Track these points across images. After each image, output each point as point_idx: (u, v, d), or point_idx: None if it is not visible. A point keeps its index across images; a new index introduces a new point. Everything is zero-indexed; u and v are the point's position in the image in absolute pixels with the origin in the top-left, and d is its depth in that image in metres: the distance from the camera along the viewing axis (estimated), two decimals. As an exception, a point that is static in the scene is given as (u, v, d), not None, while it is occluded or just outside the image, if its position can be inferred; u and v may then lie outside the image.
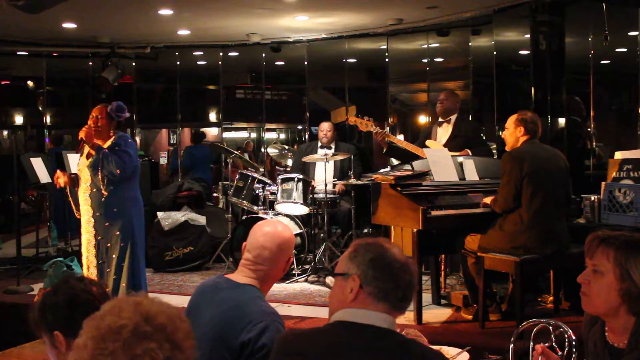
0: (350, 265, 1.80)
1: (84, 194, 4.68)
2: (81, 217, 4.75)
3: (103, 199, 4.59)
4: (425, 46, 8.32)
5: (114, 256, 4.61)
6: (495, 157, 6.27)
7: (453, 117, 5.70)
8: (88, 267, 4.70)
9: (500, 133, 4.85)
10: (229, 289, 2.34)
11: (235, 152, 7.31)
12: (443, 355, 1.80)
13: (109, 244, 4.62)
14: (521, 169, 4.33)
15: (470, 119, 7.66)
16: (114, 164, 4.48)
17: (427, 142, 5.62)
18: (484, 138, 7.11)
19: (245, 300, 2.28)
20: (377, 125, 5.67)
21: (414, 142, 5.96)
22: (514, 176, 4.34)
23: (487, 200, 4.64)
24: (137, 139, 9.96)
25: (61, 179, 4.76)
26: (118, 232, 4.60)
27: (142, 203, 4.86)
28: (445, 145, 5.48)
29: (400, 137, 8.72)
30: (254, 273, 2.39)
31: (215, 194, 8.56)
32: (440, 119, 5.77)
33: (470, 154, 5.39)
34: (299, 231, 6.34)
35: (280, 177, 6.40)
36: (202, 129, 10.40)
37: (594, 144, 6.63)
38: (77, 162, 4.92)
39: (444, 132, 5.71)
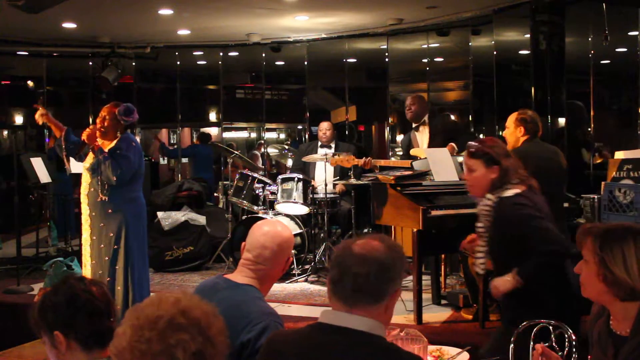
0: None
1: (83, 192, 4.66)
2: (82, 216, 4.72)
3: (99, 200, 4.54)
4: (425, 46, 8.32)
5: (106, 258, 4.51)
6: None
7: (425, 118, 5.76)
8: (85, 265, 4.66)
9: (501, 133, 4.85)
10: (228, 289, 2.34)
11: (236, 152, 7.31)
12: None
13: (102, 245, 4.54)
14: (524, 169, 4.31)
15: (469, 118, 7.67)
16: (111, 170, 4.40)
17: (412, 152, 5.66)
18: (462, 127, 7.12)
19: (244, 301, 2.28)
20: (364, 157, 5.74)
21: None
22: None
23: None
24: (137, 139, 9.94)
25: (38, 113, 4.71)
26: (112, 234, 4.51)
27: (143, 205, 4.76)
28: (429, 147, 5.50)
29: (400, 137, 8.73)
30: (254, 273, 2.39)
31: (215, 194, 8.56)
32: (414, 124, 5.83)
33: (456, 146, 5.40)
34: (299, 231, 6.34)
35: (280, 177, 6.40)
36: (204, 130, 10.43)
37: (594, 144, 6.63)
38: (78, 162, 4.87)
39: (423, 135, 5.76)
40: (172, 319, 1.34)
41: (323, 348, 1.69)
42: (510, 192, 3.11)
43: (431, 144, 5.53)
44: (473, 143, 3.25)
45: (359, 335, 1.68)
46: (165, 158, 11.43)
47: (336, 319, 1.71)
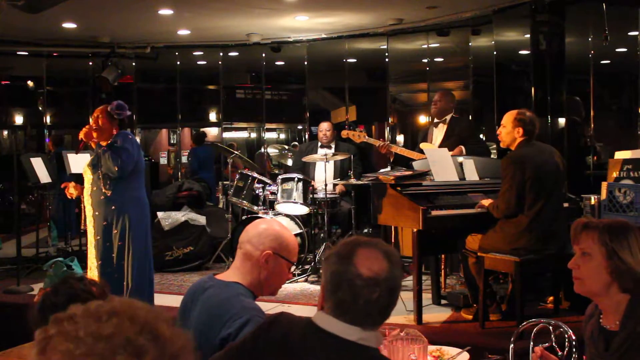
0: (322, 269, 1.71)
1: (86, 193, 4.68)
2: (86, 218, 4.73)
3: (102, 198, 4.55)
4: (425, 46, 8.32)
5: (113, 255, 4.56)
6: (495, 156, 6.28)
7: (448, 117, 5.74)
8: (90, 267, 4.67)
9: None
10: (215, 287, 2.29)
11: (236, 152, 7.31)
12: None
13: (108, 243, 4.57)
14: (523, 174, 4.29)
15: (470, 118, 7.66)
16: (111, 161, 4.45)
17: (421, 145, 5.64)
18: (481, 137, 7.11)
19: (227, 298, 2.21)
20: (382, 139, 5.72)
21: (414, 142, 5.99)
22: (516, 182, 4.30)
23: (485, 202, 4.61)
24: (137, 139, 9.95)
25: (71, 190, 4.77)
26: (115, 231, 4.54)
27: (146, 205, 4.77)
28: (440, 146, 5.49)
29: (401, 137, 8.74)
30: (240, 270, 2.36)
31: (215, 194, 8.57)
32: (435, 120, 5.80)
33: (464, 150, 5.39)
34: (299, 231, 6.34)
35: (280, 177, 6.40)
36: (202, 129, 10.42)
37: (594, 144, 6.63)
38: (79, 162, 4.89)
39: (440, 132, 5.74)
40: None
41: (307, 347, 1.64)
42: None
43: (443, 144, 5.52)
44: None
45: (351, 345, 1.60)
46: (165, 157, 11.44)
47: (326, 323, 1.65)
